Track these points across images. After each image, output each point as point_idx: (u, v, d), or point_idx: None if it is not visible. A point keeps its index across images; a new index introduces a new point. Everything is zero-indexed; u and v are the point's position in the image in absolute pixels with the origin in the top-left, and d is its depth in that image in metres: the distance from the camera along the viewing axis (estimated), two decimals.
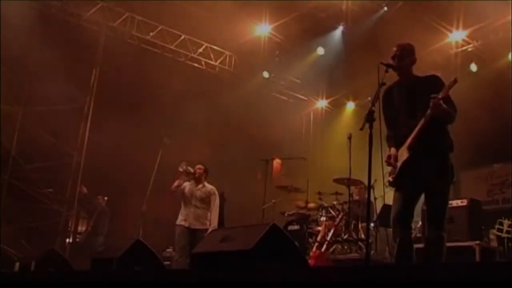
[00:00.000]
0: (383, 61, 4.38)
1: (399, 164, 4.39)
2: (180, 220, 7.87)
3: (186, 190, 7.97)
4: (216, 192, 8.09)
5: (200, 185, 8.01)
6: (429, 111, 4.16)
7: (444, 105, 4.16)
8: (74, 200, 10.54)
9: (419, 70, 4.61)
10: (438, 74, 4.52)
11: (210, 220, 7.86)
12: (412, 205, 4.39)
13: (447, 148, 4.38)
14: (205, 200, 7.95)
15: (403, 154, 4.37)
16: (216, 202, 8.00)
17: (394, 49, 4.51)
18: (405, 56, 4.49)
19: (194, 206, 7.87)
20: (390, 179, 4.47)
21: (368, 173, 4.06)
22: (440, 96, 4.13)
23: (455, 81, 4.18)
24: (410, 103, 4.42)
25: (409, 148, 4.31)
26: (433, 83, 4.39)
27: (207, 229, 7.62)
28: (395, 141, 4.50)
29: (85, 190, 10.42)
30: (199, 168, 8.04)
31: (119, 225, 10.49)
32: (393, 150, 4.50)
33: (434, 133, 4.27)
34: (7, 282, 4.36)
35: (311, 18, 11.82)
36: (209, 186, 8.07)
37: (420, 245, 4.86)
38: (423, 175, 4.28)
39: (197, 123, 12.44)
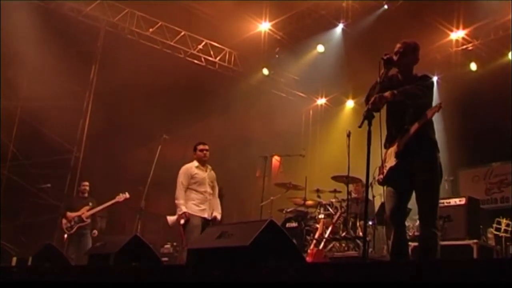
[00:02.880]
0: (384, 56, 4.36)
1: (387, 166, 4.42)
2: (196, 210, 6.92)
3: (196, 174, 7.08)
4: None
5: (208, 169, 7.23)
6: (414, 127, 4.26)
7: (384, 97, 4.20)
8: (72, 196, 10.52)
9: (418, 68, 4.60)
10: (429, 75, 4.57)
11: (215, 208, 7.13)
12: (404, 203, 4.42)
13: (434, 147, 4.40)
14: (213, 186, 7.23)
15: (392, 158, 4.39)
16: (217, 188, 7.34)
17: (398, 45, 4.49)
18: (408, 53, 4.48)
19: (208, 193, 7.06)
20: (381, 177, 4.50)
21: (367, 171, 4.05)
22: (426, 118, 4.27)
23: (440, 107, 4.27)
24: (402, 103, 4.39)
25: (397, 156, 4.33)
26: (422, 82, 4.43)
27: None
28: (388, 136, 4.54)
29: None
30: (206, 149, 7.23)
31: (118, 221, 10.49)
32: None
33: (421, 134, 4.31)
34: (4, 277, 4.36)
35: (311, 16, 11.83)
36: (211, 170, 7.36)
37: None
38: (412, 175, 4.30)
39: (196, 119, 12.44)
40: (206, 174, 7.13)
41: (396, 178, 4.38)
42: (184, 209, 6.82)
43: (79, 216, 9.00)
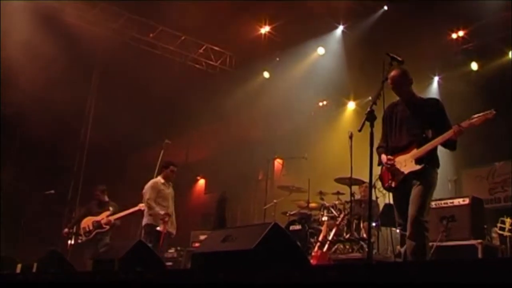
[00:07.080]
0: (390, 53, 4.43)
1: (405, 171, 4.49)
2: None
3: (162, 189, 7.71)
4: None
5: (170, 184, 7.85)
6: (450, 133, 4.43)
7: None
8: (76, 202, 10.53)
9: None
10: (438, 98, 4.75)
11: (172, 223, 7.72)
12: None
13: (436, 163, 4.64)
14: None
15: (407, 163, 4.47)
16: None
17: (389, 81, 4.64)
18: (402, 84, 4.65)
19: (171, 210, 7.73)
20: (393, 184, 4.58)
21: (370, 172, 4.05)
22: (465, 125, 4.50)
23: (493, 113, 4.34)
24: (413, 119, 4.64)
25: (418, 161, 4.48)
26: (434, 105, 4.75)
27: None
28: (391, 149, 4.70)
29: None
30: (176, 171, 7.89)
31: (121, 226, 10.47)
32: (383, 156, 4.74)
33: (432, 149, 4.54)
34: (9, 283, 4.36)
35: (311, 18, 11.82)
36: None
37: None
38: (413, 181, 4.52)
39: (198, 123, 12.44)
40: (169, 191, 7.79)
41: (408, 183, 4.55)
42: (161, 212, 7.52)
43: (98, 222, 8.64)
